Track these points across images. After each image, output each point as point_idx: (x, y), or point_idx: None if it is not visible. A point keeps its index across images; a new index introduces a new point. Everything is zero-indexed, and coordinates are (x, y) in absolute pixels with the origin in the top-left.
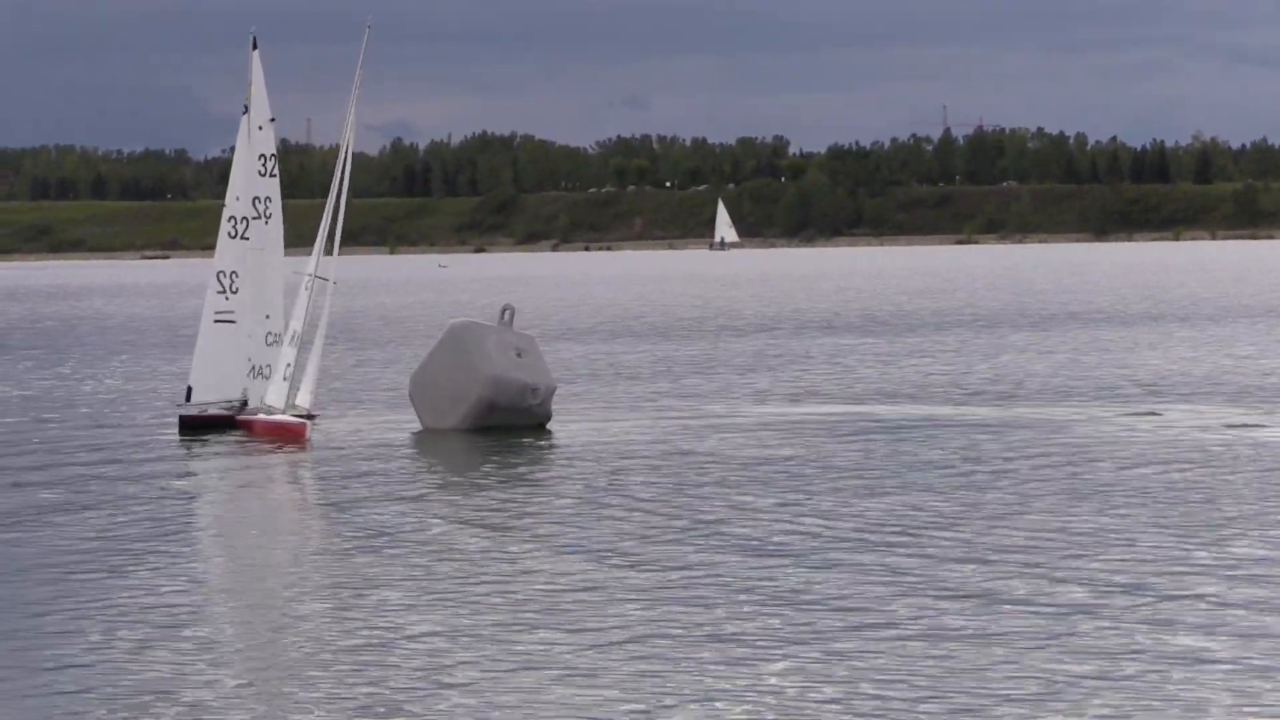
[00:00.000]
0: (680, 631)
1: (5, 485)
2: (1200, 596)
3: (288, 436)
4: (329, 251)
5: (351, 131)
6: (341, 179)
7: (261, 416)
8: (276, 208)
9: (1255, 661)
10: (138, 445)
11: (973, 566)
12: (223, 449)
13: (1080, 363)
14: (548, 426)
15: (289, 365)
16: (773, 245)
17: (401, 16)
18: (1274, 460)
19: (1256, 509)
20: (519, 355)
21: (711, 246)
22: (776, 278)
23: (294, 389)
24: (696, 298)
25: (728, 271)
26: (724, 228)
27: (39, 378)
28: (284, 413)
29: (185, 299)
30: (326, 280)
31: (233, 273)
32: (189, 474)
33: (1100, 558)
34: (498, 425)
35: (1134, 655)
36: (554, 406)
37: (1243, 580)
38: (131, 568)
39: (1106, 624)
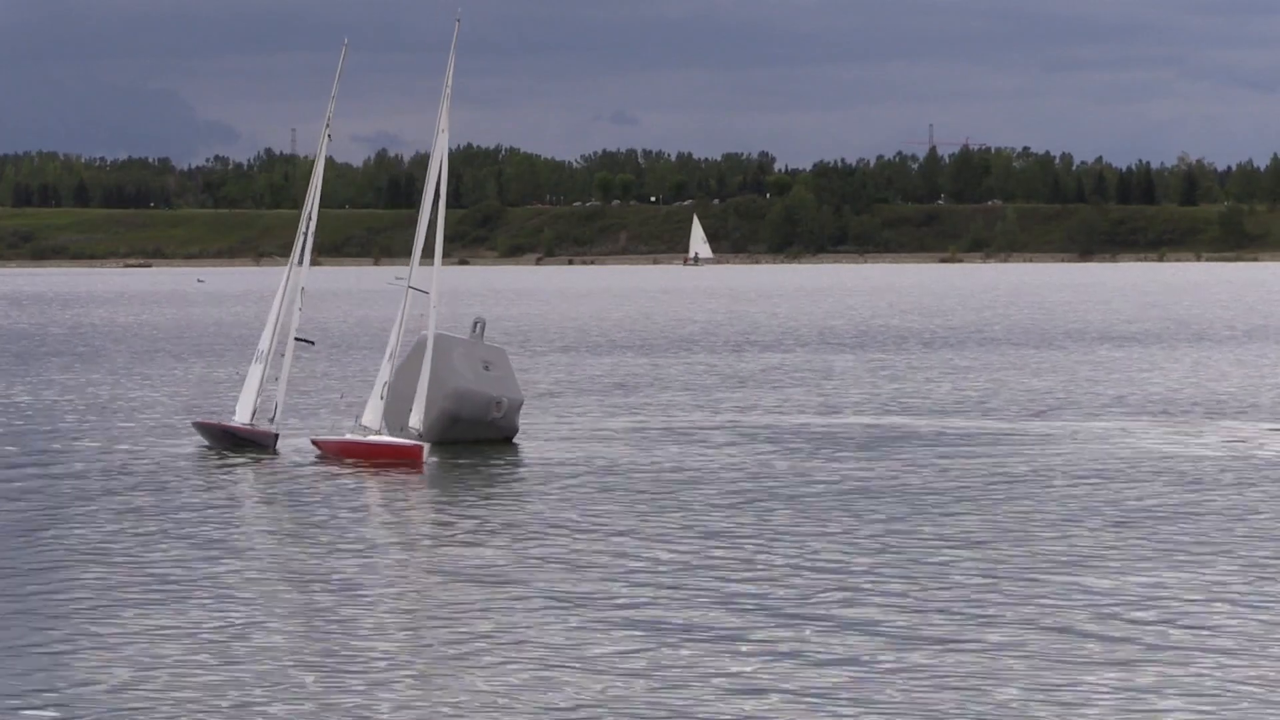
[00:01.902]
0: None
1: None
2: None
3: (403, 458)
4: (426, 262)
5: (444, 137)
6: (437, 189)
7: (371, 439)
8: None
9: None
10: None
11: (978, 580)
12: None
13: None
14: (514, 440)
15: (385, 384)
16: (757, 261)
17: (386, 28)
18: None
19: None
20: (486, 368)
21: (685, 262)
22: (736, 294)
23: (398, 409)
24: (643, 314)
25: (695, 286)
26: (698, 243)
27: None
28: (382, 433)
29: (206, 308)
30: (425, 292)
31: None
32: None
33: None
34: (463, 438)
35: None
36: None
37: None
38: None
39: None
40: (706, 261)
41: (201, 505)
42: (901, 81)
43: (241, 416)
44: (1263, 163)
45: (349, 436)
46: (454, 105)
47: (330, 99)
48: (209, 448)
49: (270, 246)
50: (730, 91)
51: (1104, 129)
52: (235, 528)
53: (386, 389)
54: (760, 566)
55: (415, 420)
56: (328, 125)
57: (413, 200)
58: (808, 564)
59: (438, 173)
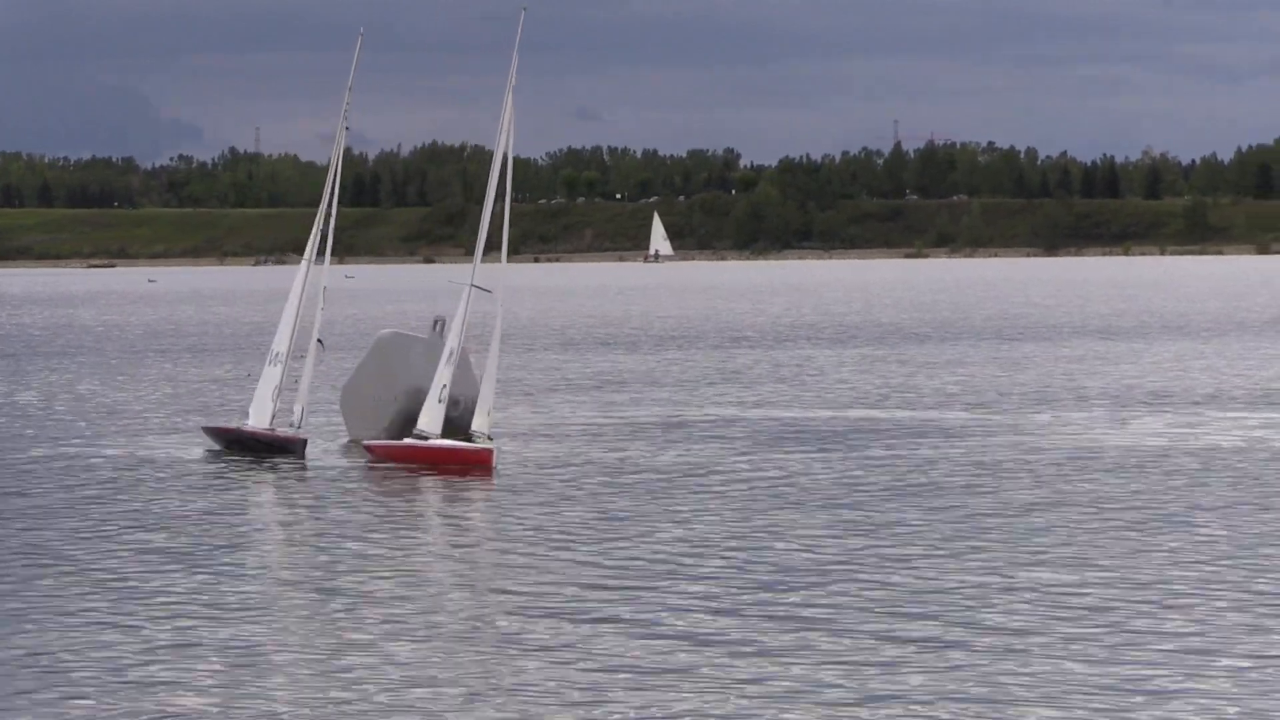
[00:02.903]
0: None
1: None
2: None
3: (472, 463)
4: (489, 259)
5: (507, 136)
6: (500, 186)
7: (434, 442)
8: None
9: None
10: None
11: (976, 577)
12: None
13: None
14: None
15: (444, 386)
16: (723, 258)
17: (351, 26)
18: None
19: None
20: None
21: (646, 259)
22: (693, 290)
23: (473, 412)
24: (591, 314)
25: (653, 283)
26: (658, 240)
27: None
28: (446, 437)
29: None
30: (488, 290)
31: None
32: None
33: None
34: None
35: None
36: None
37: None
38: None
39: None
40: (667, 259)
41: (263, 519)
42: (866, 77)
43: (257, 421)
44: (1226, 156)
45: (408, 441)
46: (418, 102)
47: (346, 90)
48: (224, 454)
49: (235, 246)
50: (695, 88)
51: (1068, 123)
52: (304, 546)
53: (444, 390)
54: (819, 576)
55: (470, 422)
56: (345, 119)
57: (377, 199)
58: (809, 562)
59: (500, 171)
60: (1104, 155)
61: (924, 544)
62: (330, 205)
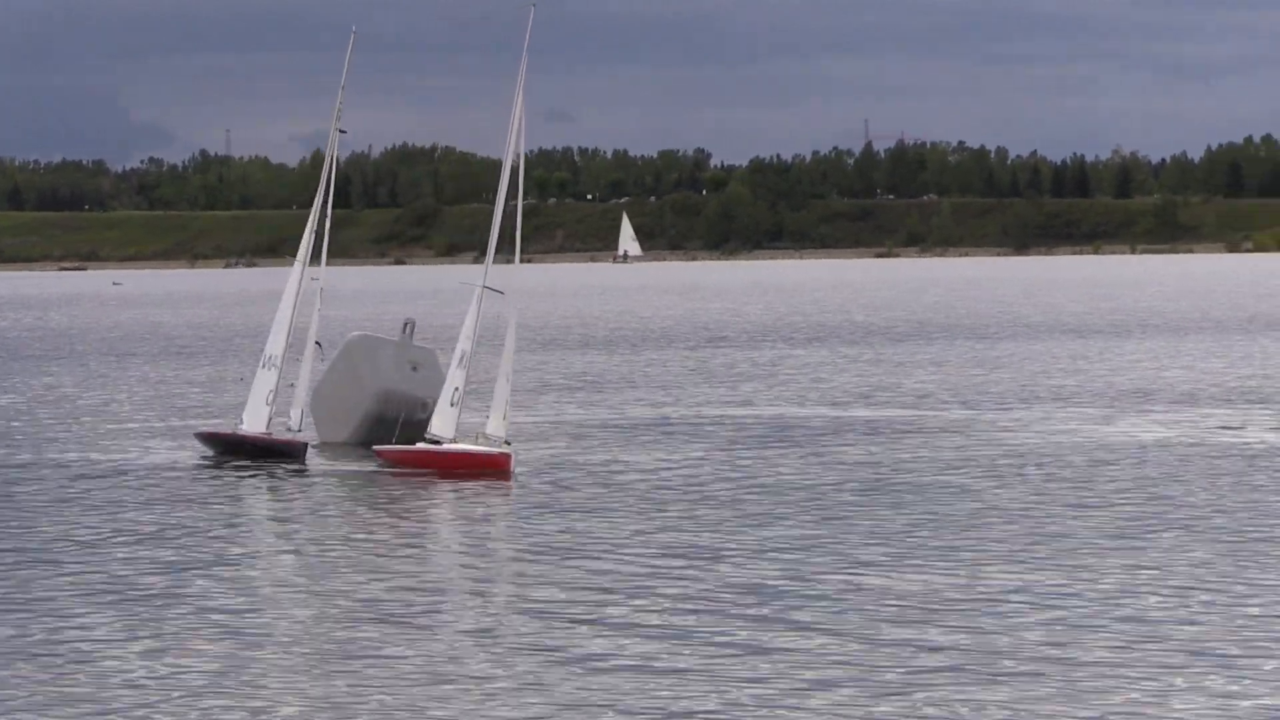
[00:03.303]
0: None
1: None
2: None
3: (488, 468)
4: (503, 260)
5: (517, 139)
6: (512, 186)
7: (449, 447)
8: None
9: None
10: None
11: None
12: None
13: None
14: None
15: (457, 389)
16: (694, 258)
17: (320, 28)
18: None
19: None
20: (414, 369)
21: (614, 260)
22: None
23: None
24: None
25: (622, 284)
26: (627, 241)
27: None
28: (464, 441)
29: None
30: (500, 292)
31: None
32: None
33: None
34: (389, 440)
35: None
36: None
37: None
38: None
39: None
40: (635, 259)
41: (279, 527)
42: (837, 77)
43: (252, 425)
44: (1197, 155)
45: (420, 445)
46: (389, 103)
47: (340, 89)
48: (221, 459)
49: (206, 248)
50: (666, 89)
51: (1039, 123)
52: (317, 551)
53: (456, 394)
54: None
55: (493, 427)
56: (338, 120)
57: (349, 200)
58: (820, 565)
59: (511, 171)
60: (1074, 154)
61: (956, 548)
62: (326, 206)
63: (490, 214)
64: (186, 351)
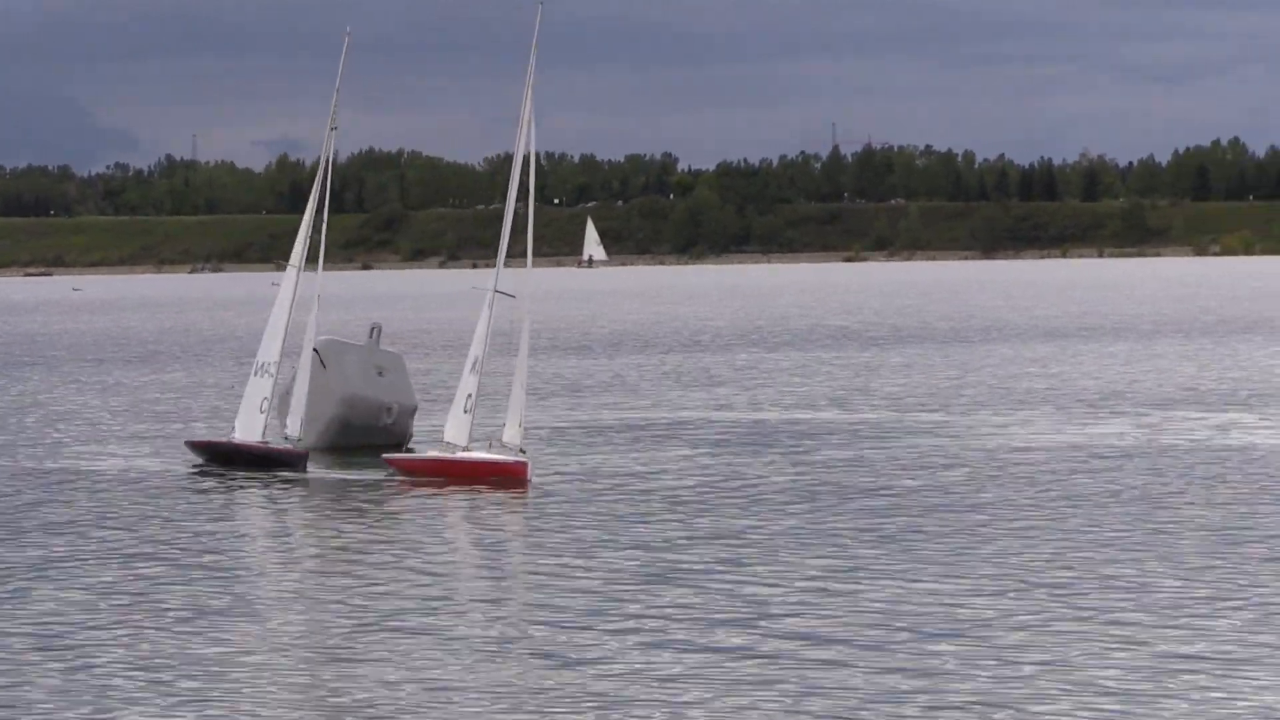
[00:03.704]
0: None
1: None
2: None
3: (504, 476)
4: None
5: (526, 139)
6: (522, 189)
7: (463, 455)
8: (302, 221)
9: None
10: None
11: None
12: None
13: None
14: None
15: (470, 396)
16: (662, 262)
17: (288, 31)
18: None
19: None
20: (380, 374)
21: (580, 264)
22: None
23: (508, 422)
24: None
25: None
26: (592, 245)
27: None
28: (471, 449)
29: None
30: (511, 296)
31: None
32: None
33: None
34: (354, 444)
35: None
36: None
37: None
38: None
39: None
40: (601, 264)
41: (293, 538)
42: (804, 81)
43: (246, 434)
44: (1164, 158)
45: (432, 453)
46: (355, 107)
47: (335, 91)
48: (213, 469)
49: (172, 253)
50: (633, 93)
51: (1006, 126)
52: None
53: (469, 400)
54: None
55: (510, 435)
56: (333, 122)
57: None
58: (833, 570)
59: (522, 171)
60: (1041, 158)
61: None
62: (322, 211)
63: (458, 218)
64: (142, 357)
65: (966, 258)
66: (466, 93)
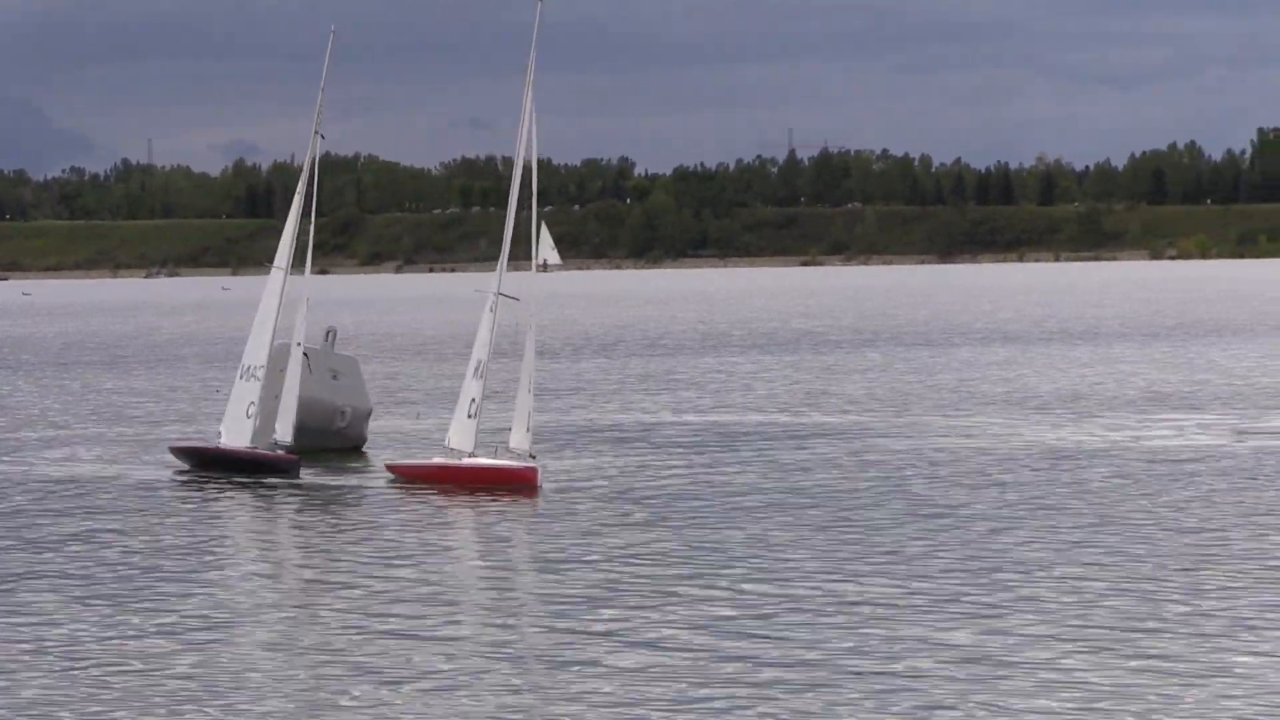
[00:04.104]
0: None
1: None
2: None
3: (514, 483)
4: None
5: (526, 143)
6: (525, 192)
7: (469, 461)
8: (287, 223)
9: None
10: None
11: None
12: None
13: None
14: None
15: (474, 401)
16: (618, 266)
17: (243, 35)
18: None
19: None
20: (335, 378)
21: (534, 268)
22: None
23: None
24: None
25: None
26: (547, 249)
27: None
28: (477, 455)
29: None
30: (515, 299)
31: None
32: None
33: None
34: (309, 447)
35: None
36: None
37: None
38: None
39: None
40: (555, 268)
41: (296, 547)
42: (760, 85)
43: (233, 439)
44: (1120, 162)
45: (438, 460)
46: (312, 112)
47: (319, 90)
48: (198, 474)
49: (128, 258)
50: (589, 97)
51: (962, 130)
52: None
53: (473, 405)
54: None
55: (518, 440)
56: (318, 124)
57: (272, 209)
58: (837, 572)
59: (523, 174)
60: (998, 162)
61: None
62: (311, 213)
63: (414, 223)
64: (130, 360)
65: (923, 261)
66: (423, 97)
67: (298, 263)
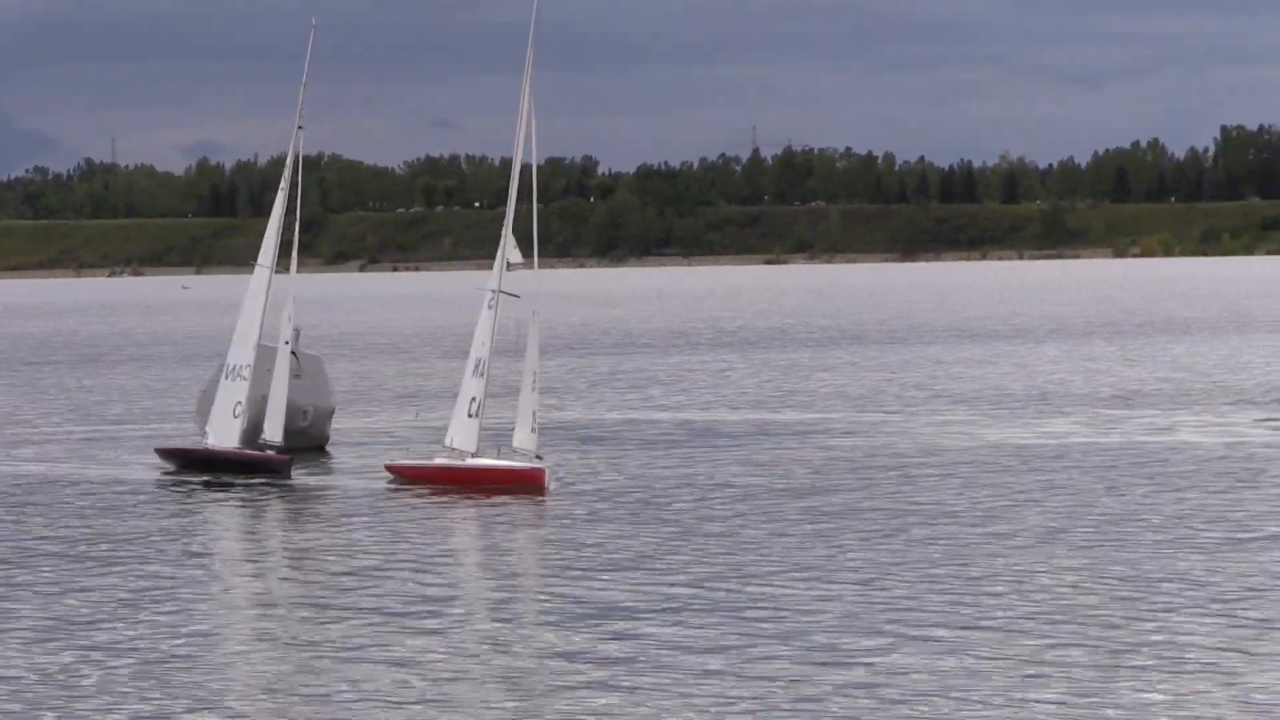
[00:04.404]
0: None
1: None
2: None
3: (522, 484)
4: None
5: (525, 139)
6: (523, 189)
7: (473, 462)
8: (271, 220)
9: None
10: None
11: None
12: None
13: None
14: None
15: (474, 400)
16: (583, 265)
17: (206, 35)
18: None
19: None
20: (298, 377)
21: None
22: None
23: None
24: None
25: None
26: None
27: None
28: (480, 455)
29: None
30: (515, 296)
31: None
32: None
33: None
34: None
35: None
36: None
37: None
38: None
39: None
40: (518, 266)
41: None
42: (724, 84)
43: (220, 439)
44: (1084, 160)
45: (439, 461)
46: (275, 111)
47: (301, 86)
48: (188, 477)
49: (92, 257)
50: (552, 96)
51: (926, 129)
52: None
53: (474, 404)
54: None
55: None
56: (300, 119)
57: (235, 209)
58: (845, 576)
59: (521, 173)
60: (961, 160)
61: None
62: (295, 210)
63: (378, 222)
64: (107, 360)
65: (886, 260)
66: (386, 97)
67: (281, 259)
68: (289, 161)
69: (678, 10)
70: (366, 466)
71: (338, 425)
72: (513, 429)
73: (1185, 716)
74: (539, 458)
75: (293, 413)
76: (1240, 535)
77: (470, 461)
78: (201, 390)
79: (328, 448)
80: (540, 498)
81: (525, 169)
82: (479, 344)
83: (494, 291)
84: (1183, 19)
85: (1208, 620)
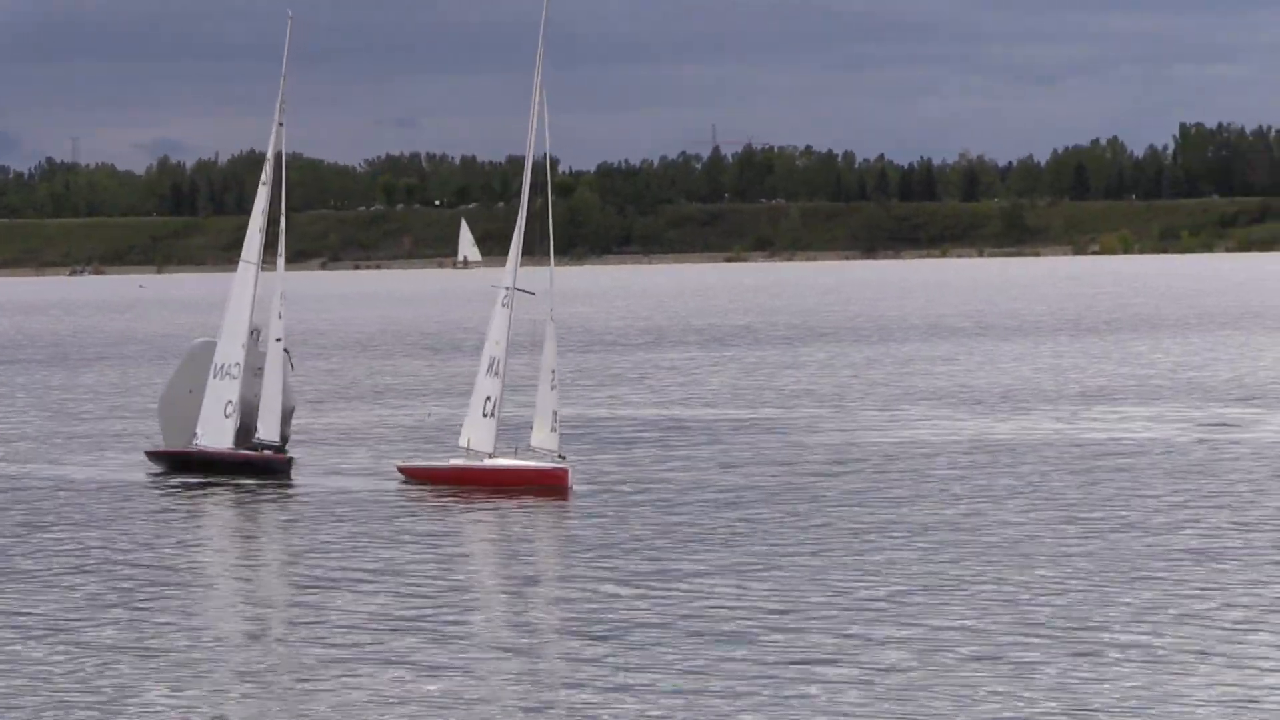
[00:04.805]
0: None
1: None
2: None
3: (544, 484)
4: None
5: (535, 137)
6: (536, 188)
7: (491, 462)
8: (253, 216)
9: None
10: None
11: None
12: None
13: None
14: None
15: (489, 399)
16: (541, 263)
17: (168, 33)
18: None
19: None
20: (259, 375)
21: (455, 265)
22: None
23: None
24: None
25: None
26: (467, 246)
27: None
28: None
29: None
30: (530, 293)
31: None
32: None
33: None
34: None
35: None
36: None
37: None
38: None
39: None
40: (475, 264)
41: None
42: (683, 82)
43: (212, 440)
44: (1043, 158)
45: (454, 461)
46: (236, 110)
47: (281, 79)
48: (183, 479)
49: (54, 256)
50: (512, 94)
51: (885, 127)
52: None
53: (489, 403)
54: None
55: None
56: (280, 114)
57: (196, 207)
58: (858, 582)
59: (529, 172)
60: (921, 158)
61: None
62: (280, 207)
63: (339, 220)
64: (76, 359)
65: (847, 258)
66: (346, 95)
67: (267, 256)
68: (269, 156)
69: (639, 9)
70: (368, 468)
71: (328, 423)
72: (534, 429)
73: (1158, 714)
74: (561, 457)
75: (252, 411)
76: (1210, 530)
77: (488, 462)
78: (162, 394)
79: (295, 448)
80: (562, 500)
81: (533, 166)
82: (493, 342)
83: (509, 289)
84: (1141, 17)
85: (1181, 615)
